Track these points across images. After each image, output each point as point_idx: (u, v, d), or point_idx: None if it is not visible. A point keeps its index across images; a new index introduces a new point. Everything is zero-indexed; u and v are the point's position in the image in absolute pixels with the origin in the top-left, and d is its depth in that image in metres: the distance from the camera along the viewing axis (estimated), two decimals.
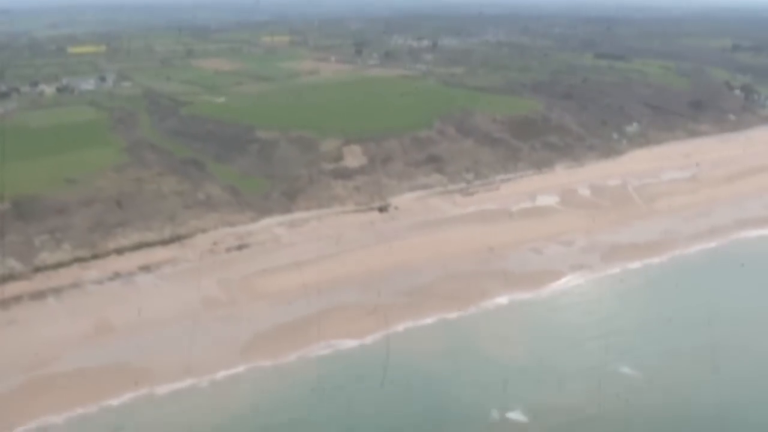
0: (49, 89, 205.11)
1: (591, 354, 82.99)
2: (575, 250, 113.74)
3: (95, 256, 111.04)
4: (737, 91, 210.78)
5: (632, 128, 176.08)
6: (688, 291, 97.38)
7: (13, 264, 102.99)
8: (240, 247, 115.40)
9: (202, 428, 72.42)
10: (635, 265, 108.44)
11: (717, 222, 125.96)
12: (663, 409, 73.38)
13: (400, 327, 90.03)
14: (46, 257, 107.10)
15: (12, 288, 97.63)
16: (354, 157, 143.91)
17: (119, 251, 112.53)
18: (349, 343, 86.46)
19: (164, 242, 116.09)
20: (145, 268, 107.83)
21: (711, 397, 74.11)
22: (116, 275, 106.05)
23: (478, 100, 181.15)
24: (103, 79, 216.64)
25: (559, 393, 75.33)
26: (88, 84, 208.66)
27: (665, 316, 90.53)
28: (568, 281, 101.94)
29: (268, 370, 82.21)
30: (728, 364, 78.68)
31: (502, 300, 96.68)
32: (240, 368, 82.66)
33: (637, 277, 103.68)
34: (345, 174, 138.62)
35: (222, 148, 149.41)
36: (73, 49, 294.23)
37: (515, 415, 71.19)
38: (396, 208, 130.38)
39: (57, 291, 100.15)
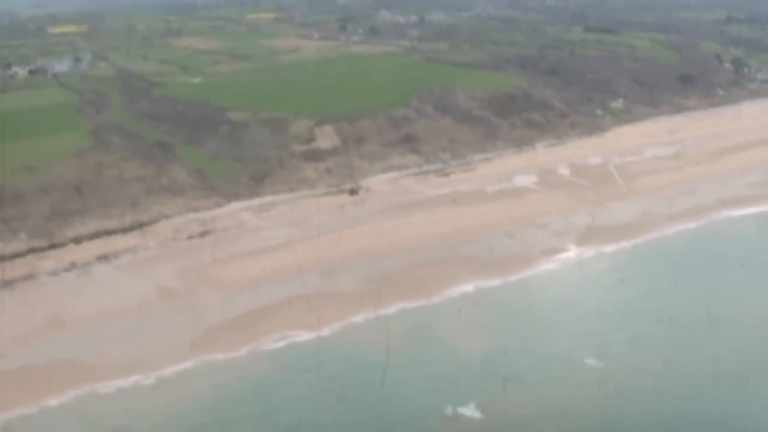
0: (22, 71, 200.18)
1: (555, 344, 79.55)
2: (549, 233, 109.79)
3: (52, 246, 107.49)
4: (727, 65, 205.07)
5: (617, 104, 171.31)
6: (661, 275, 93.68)
7: None
8: (203, 234, 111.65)
9: (141, 427, 68.80)
10: (610, 248, 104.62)
11: (699, 201, 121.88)
12: (624, 402, 69.63)
13: (359, 317, 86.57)
14: (0, 248, 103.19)
15: None
16: (326, 138, 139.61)
17: (77, 240, 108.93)
18: (304, 336, 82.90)
19: (125, 230, 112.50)
20: (103, 258, 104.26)
21: (676, 388, 70.26)
22: (72, 266, 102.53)
23: (459, 77, 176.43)
24: (78, 60, 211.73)
25: (518, 386, 72.06)
26: (63, 65, 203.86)
27: (634, 303, 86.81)
28: (539, 267, 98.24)
29: (217, 364, 78.91)
30: (697, 352, 74.71)
31: (468, 287, 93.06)
32: (189, 363, 79.35)
33: (610, 262, 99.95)
34: (316, 156, 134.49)
35: (192, 130, 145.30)
36: (53, 29, 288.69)
37: (468, 411, 67.78)
38: (367, 190, 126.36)
39: (10, 283, 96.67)
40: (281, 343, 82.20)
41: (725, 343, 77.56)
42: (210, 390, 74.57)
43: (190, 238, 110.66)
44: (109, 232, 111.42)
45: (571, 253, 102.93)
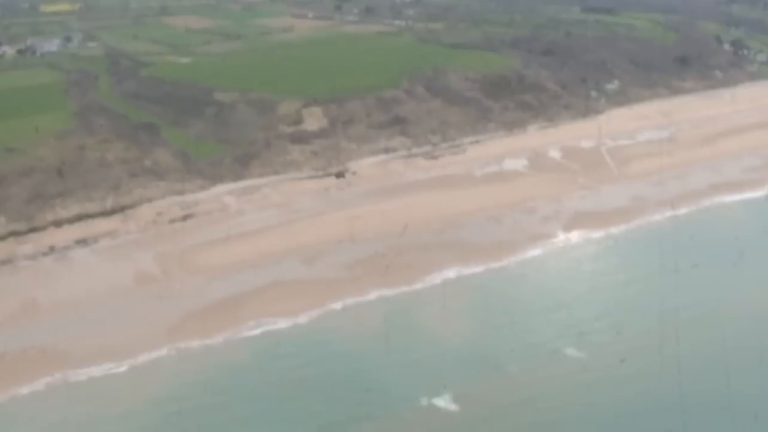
0: (11, 51, 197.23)
1: (535, 333, 78.20)
2: (537, 218, 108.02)
3: (32, 230, 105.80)
4: (727, 46, 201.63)
5: (612, 86, 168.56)
6: (648, 263, 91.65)
7: None
8: (185, 218, 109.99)
9: (109, 417, 67.58)
10: (598, 234, 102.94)
11: (690, 187, 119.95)
12: (603, 394, 68.11)
13: (338, 304, 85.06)
14: None
15: None
16: (314, 119, 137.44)
17: (57, 224, 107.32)
18: (281, 323, 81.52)
19: (106, 213, 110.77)
20: (82, 242, 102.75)
21: (659, 379, 68.66)
22: (51, 250, 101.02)
23: (452, 58, 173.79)
24: (68, 39, 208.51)
25: (495, 377, 70.75)
26: (52, 45, 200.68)
27: (619, 291, 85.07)
28: (525, 253, 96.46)
29: (191, 352, 77.56)
30: (683, 343, 72.97)
31: (451, 274, 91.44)
32: (163, 351, 77.99)
33: (597, 248, 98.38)
34: (303, 138, 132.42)
35: (179, 111, 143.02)
36: (46, 8, 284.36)
37: (443, 402, 66.30)
38: (354, 173, 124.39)
39: None
40: (257, 331, 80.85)
41: (712, 334, 75.58)
42: (182, 378, 73.36)
43: (171, 221, 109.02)
44: (90, 216, 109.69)
45: (558, 239, 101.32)
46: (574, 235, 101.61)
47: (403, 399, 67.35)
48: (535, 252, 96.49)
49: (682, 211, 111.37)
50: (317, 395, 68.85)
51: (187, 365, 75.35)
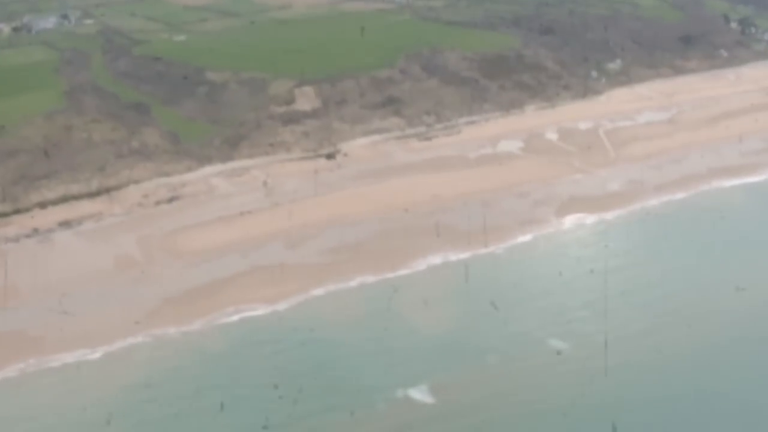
0: (6, 28, 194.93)
1: (519, 323, 76.30)
2: (529, 202, 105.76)
3: (16, 211, 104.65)
4: (734, 24, 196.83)
5: (614, 65, 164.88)
6: (639, 250, 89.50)
7: None
8: (171, 200, 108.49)
9: (79, 405, 66.38)
10: (591, 219, 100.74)
11: (689, 170, 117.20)
12: (584, 386, 66.19)
13: (319, 290, 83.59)
14: None
15: None
16: (306, 99, 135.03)
17: (42, 205, 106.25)
18: (260, 309, 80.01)
19: (91, 195, 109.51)
20: (66, 224, 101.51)
21: (643, 371, 66.66)
22: (35, 232, 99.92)
23: (450, 36, 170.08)
24: (65, 17, 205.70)
25: (474, 368, 68.98)
26: (48, 22, 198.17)
27: (607, 280, 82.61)
28: (514, 239, 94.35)
29: (166, 339, 76.46)
30: (671, 335, 70.91)
31: (436, 260, 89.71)
32: (138, 337, 76.92)
33: (589, 234, 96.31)
34: (294, 118, 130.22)
35: (170, 90, 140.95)
36: None
37: (419, 393, 64.63)
38: (345, 155, 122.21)
39: None
40: (235, 317, 79.51)
41: (702, 327, 73.43)
42: (155, 366, 72.31)
43: (157, 203, 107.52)
44: (75, 197, 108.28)
45: (549, 224, 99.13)
46: (566, 221, 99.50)
47: (378, 390, 65.84)
48: (524, 238, 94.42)
49: (680, 195, 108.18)
50: (291, 385, 67.32)
51: (162, 352, 74.21)
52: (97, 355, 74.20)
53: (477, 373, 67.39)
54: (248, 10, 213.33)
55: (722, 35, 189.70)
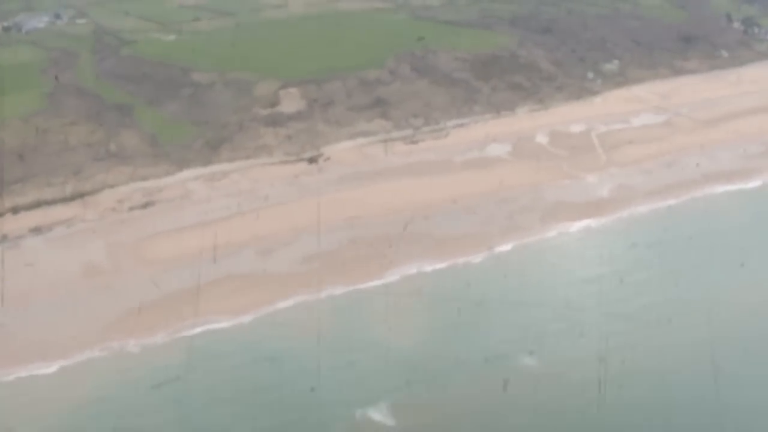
0: None
1: (491, 338, 72.72)
2: (514, 209, 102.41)
3: None
4: (737, 24, 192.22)
5: (611, 66, 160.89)
6: (621, 261, 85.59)
7: None
8: (145, 205, 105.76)
9: (28, 421, 63.66)
10: (575, 227, 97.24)
11: (682, 175, 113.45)
12: (556, 406, 62.83)
13: (288, 302, 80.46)
14: None
15: None
16: (291, 101, 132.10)
17: (15, 210, 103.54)
18: (223, 323, 76.91)
19: (65, 200, 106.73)
20: (37, 230, 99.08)
21: (617, 392, 63.21)
22: (4, 238, 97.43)
23: (444, 36, 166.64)
24: (57, 16, 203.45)
25: (439, 387, 65.49)
26: (40, 22, 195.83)
27: (582, 290, 79.05)
28: (493, 248, 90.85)
29: (126, 352, 73.33)
30: (648, 351, 67.37)
31: (412, 270, 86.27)
32: (96, 350, 73.97)
33: (573, 243, 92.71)
34: (278, 121, 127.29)
35: (155, 91, 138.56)
36: None
37: (379, 414, 61.65)
38: (328, 158, 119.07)
39: None
40: (198, 329, 76.82)
41: (678, 341, 69.87)
42: (110, 380, 69.46)
43: (131, 209, 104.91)
44: (48, 202, 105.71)
45: (532, 232, 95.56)
46: (550, 229, 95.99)
47: (336, 407, 62.46)
48: (505, 247, 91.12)
49: (670, 202, 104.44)
50: (246, 402, 64.24)
51: (119, 366, 71.58)
52: (52, 369, 71.72)
53: (442, 393, 63.94)
54: (242, 9, 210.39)
55: (724, 35, 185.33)
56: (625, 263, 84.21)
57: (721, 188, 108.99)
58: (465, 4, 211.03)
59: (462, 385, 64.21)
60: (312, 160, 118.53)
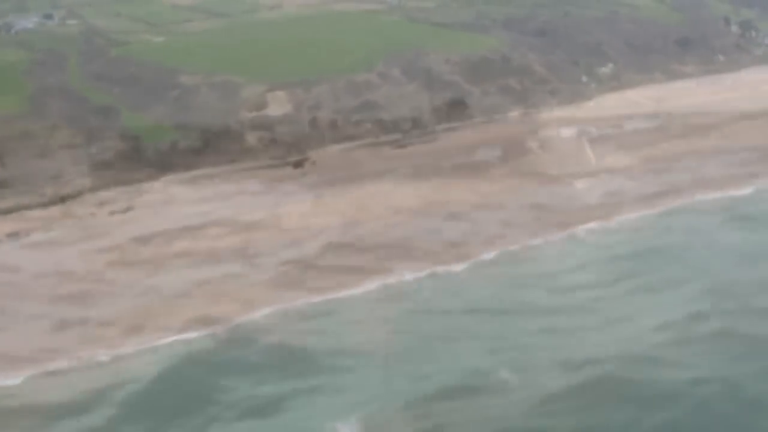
0: None
1: (468, 352, 70.51)
2: (499, 216, 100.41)
3: None
4: (734, 28, 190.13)
5: (606, 70, 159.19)
6: (604, 272, 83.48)
7: None
8: (125, 210, 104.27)
9: None
10: (559, 235, 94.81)
11: (672, 181, 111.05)
12: (532, 424, 60.85)
13: (259, 313, 78.25)
14: None
15: None
16: (278, 104, 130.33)
17: None
18: (194, 334, 74.81)
19: (44, 205, 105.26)
20: (14, 236, 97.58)
21: (591, 410, 61.24)
22: None
23: (437, 38, 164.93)
24: (48, 16, 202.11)
25: (412, 402, 63.17)
26: (30, 22, 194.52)
27: (564, 306, 77.03)
28: (474, 257, 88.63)
29: (93, 366, 71.04)
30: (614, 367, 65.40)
31: (391, 279, 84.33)
32: (63, 362, 71.71)
33: (556, 252, 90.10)
34: (264, 124, 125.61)
35: (141, 94, 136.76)
36: None
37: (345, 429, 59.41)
38: (313, 163, 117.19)
39: None
40: (168, 339, 74.54)
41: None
42: (77, 392, 67.09)
43: (111, 213, 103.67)
44: (27, 207, 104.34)
45: (515, 241, 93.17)
46: (534, 237, 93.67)
47: (304, 422, 60.50)
48: (486, 256, 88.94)
49: (658, 209, 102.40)
50: (213, 418, 62.28)
51: (88, 377, 69.18)
52: (17, 380, 69.44)
53: (412, 409, 61.82)
54: (236, 10, 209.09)
55: (721, 39, 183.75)
56: (611, 276, 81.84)
57: (711, 195, 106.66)
58: (460, 6, 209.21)
59: (430, 403, 61.98)
60: (297, 165, 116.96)
